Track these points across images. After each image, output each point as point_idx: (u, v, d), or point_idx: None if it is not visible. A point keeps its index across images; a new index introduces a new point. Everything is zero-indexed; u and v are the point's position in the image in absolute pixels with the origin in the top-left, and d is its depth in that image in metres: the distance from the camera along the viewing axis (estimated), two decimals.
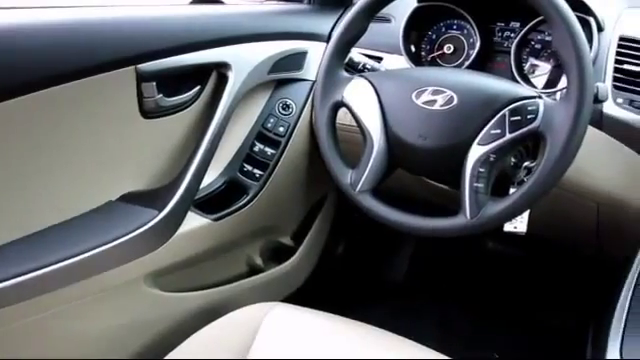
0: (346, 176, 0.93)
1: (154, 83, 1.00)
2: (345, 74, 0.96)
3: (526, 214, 0.97)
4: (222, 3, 1.32)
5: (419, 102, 0.87)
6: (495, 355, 1.47)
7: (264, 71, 1.18)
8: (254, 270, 1.34)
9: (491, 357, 1.48)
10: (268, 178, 1.21)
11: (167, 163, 1.11)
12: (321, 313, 0.94)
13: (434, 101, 0.86)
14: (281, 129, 1.22)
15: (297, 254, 1.41)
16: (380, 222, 0.91)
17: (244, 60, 1.13)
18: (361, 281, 1.71)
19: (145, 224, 1.00)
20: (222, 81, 1.11)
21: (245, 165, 1.21)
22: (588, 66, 0.76)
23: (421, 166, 0.91)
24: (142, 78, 0.98)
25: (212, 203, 1.16)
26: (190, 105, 1.09)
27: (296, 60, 1.24)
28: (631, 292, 0.92)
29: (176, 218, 1.06)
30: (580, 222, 1.10)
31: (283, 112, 1.23)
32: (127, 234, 0.98)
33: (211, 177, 1.18)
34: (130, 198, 1.05)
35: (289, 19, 1.29)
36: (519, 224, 0.98)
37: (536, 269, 1.60)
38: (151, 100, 1.02)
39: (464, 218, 0.83)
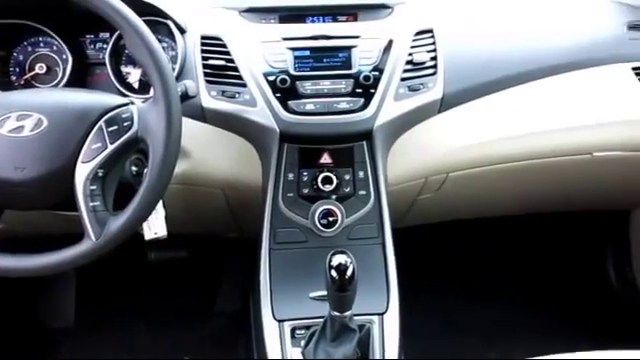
0: None
1: None
2: None
3: (161, 217, 0.98)
4: None
5: (4, 131, 0.79)
6: (185, 358, 1.49)
7: None
8: None
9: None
10: None
11: None
12: None
13: (21, 127, 0.78)
14: None
15: None
16: None
17: None
18: (21, 340, 1.49)
19: None
20: None
21: None
22: (165, 67, 0.79)
23: (30, 200, 0.83)
24: None
25: None
26: None
27: None
28: (268, 260, 1.03)
29: None
30: (215, 210, 1.17)
31: None
32: None
33: None
34: None
35: None
36: (158, 229, 0.99)
37: (203, 264, 1.66)
38: None
39: (90, 241, 0.79)
